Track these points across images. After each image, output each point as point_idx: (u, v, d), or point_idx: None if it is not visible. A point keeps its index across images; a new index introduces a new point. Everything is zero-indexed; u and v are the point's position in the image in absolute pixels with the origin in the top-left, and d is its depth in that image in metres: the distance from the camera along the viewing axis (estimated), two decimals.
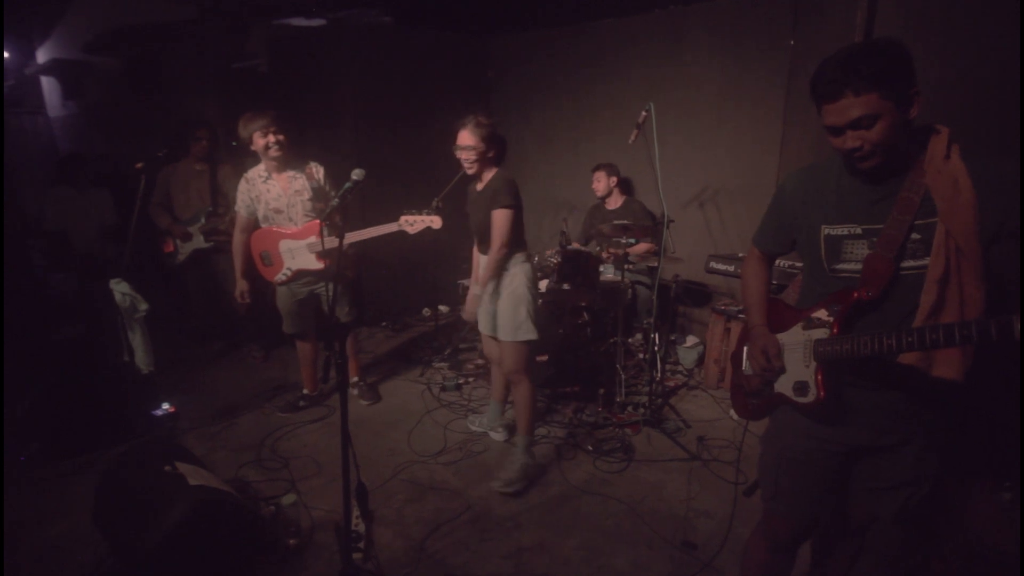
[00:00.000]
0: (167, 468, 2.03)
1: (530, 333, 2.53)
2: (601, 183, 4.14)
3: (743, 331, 1.64)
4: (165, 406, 3.04)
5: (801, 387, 1.41)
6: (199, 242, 3.72)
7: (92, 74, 5.86)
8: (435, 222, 2.69)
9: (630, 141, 3.09)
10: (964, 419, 1.42)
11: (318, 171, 2.94)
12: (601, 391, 3.42)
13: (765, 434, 1.62)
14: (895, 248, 1.25)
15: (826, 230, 1.35)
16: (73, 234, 4.08)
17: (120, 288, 2.70)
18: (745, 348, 1.62)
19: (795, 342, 1.45)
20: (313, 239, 2.85)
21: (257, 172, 2.91)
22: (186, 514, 1.85)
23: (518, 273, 2.53)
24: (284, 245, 2.92)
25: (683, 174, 4.20)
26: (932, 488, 1.40)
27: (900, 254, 1.25)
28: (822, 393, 1.35)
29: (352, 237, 2.86)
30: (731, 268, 3.41)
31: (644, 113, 3.04)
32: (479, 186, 2.57)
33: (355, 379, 3.46)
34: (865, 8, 2.38)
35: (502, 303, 2.53)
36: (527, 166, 5.23)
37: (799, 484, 1.51)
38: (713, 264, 3.49)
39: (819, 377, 1.36)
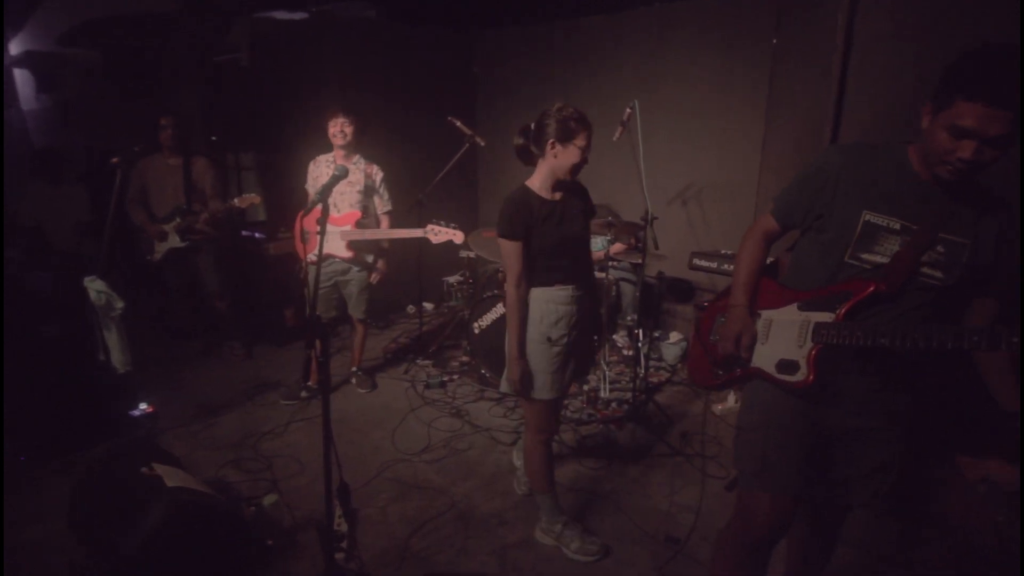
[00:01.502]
0: (144, 470, 1.99)
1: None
2: None
3: (721, 299, 1.62)
4: (143, 406, 2.99)
5: (787, 365, 1.40)
6: (175, 241, 3.63)
7: (68, 67, 5.72)
8: (458, 236, 2.85)
9: (615, 138, 3.09)
10: (934, 406, 1.46)
11: (378, 173, 3.19)
12: (585, 387, 3.43)
13: (741, 411, 1.58)
14: (921, 252, 1.26)
15: (868, 216, 1.31)
16: (49, 231, 3.98)
17: (95, 286, 2.65)
18: (718, 320, 1.60)
19: (788, 320, 1.43)
20: (348, 227, 3.08)
21: (326, 157, 3.18)
22: (164, 517, 1.81)
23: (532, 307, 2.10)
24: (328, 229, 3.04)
25: (667, 171, 4.22)
26: (899, 475, 1.44)
27: (921, 259, 1.27)
28: (812, 376, 1.35)
29: (373, 235, 3.12)
30: (714, 265, 3.43)
31: (628, 110, 3.04)
32: (555, 195, 2.01)
33: (355, 368, 3.55)
34: (847, 8, 2.41)
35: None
36: (513, 163, 5.21)
37: (788, 454, 1.46)
38: (696, 261, 3.51)
39: (813, 357, 1.36)
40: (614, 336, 4.01)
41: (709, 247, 3.97)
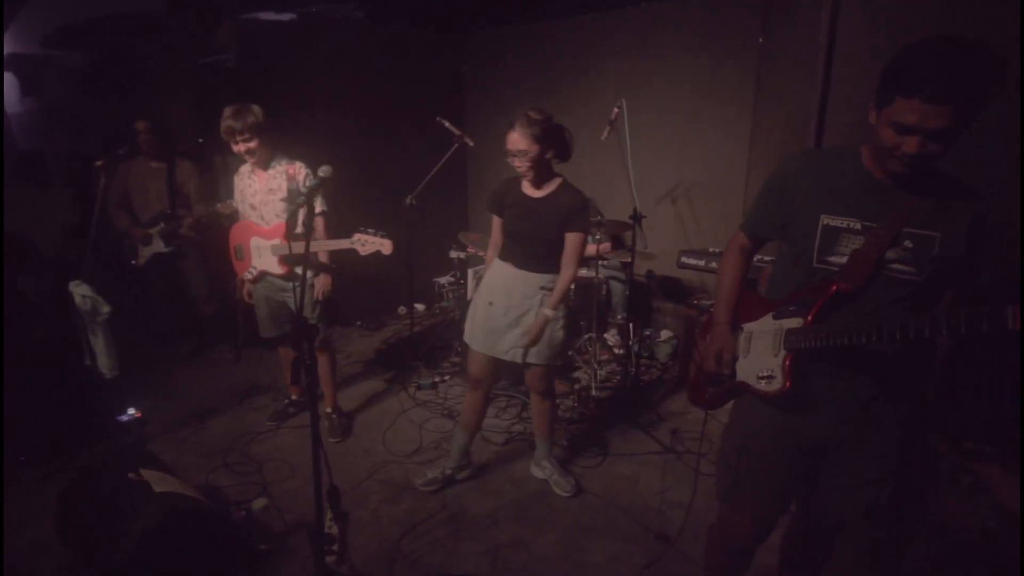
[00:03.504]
0: (131, 476, 1.97)
1: (564, 354, 2.41)
2: None
3: (707, 322, 1.65)
4: (131, 411, 2.95)
5: (765, 376, 1.42)
6: (158, 246, 3.60)
7: (52, 69, 5.66)
8: (385, 246, 2.49)
9: (603, 137, 3.10)
10: (925, 413, 1.45)
11: (299, 172, 2.74)
12: (576, 386, 3.44)
13: (726, 427, 1.62)
14: (883, 248, 1.26)
15: (825, 220, 1.32)
16: (35, 235, 3.94)
17: (80, 291, 2.62)
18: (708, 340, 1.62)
19: (764, 331, 1.45)
20: (277, 241, 2.73)
21: (246, 167, 2.82)
22: (152, 523, 1.80)
23: None
24: (254, 242, 2.83)
25: (656, 170, 4.24)
26: (896, 486, 1.41)
27: (885, 255, 1.27)
28: (788, 382, 1.37)
29: (300, 247, 2.68)
30: (702, 263, 3.45)
31: (616, 110, 3.05)
32: (535, 192, 2.25)
33: (328, 410, 3.10)
34: (829, 7, 2.42)
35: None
36: (502, 162, 5.21)
37: (759, 476, 1.50)
38: (684, 259, 3.53)
39: (787, 365, 1.37)
40: (604, 335, 4.02)
41: (698, 245, 4.00)
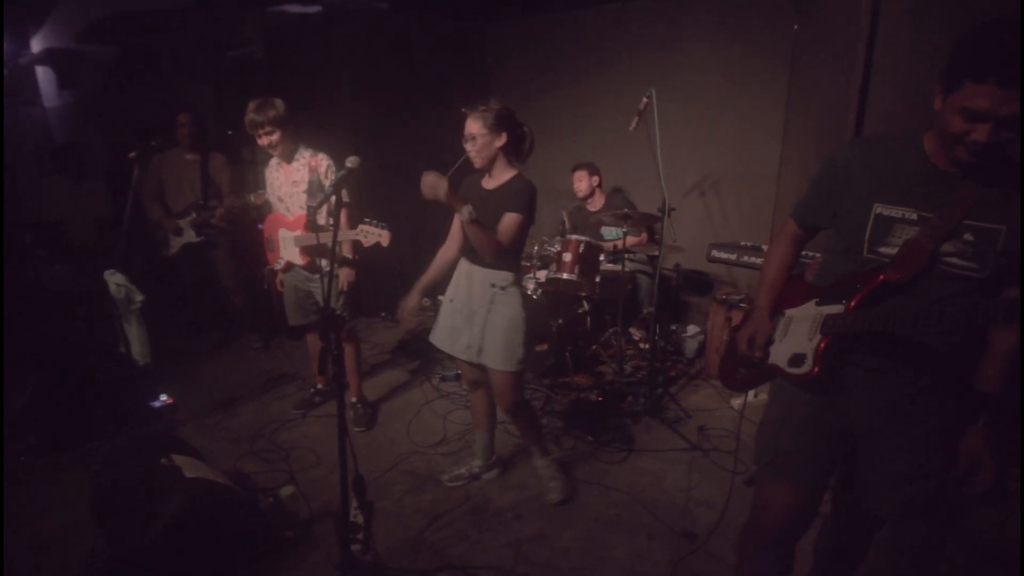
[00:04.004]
0: (163, 461, 2.02)
1: (523, 363, 2.25)
2: (583, 183, 3.97)
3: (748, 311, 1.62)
4: (163, 397, 3.03)
5: (797, 359, 1.40)
6: (190, 236, 3.66)
7: (86, 63, 5.80)
8: (384, 238, 2.45)
9: (631, 128, 3.04)
10: (968, 410, 1.38)
11: (321, 163, 2.78)
12: (601, 381, 3.40)
13: (766, 409, 1.57)
14: (939, 240, 1.20)
15: (879, 209, 1.27)
16: (70, 225, 4.05)
17: (115, 279, 2.68)
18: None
19: (805, 316, 1.42)
20: (299, 232, 2.78)
21: (274, 160, 2.88)
22: (182, 507, 1.83)
23: (515, 295, 2.23)
24: (282, 233, 2.89)
25: (685, 162, 4.15)
26: (938, 486, 1.35)
27: (941, 247, 1.21)
28: (817, 367, 1.33)
29: (323, 238, 2.64)
30: (732, 257, 3.38)
31: (645, 100, 2.99)
32: (489, 183, 2.26)
33: (353, 400, 3.14)
34: None
35: (494, 328, 2.21)
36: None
37: (802, 444, 1.43)
38: (715, 253, 3.46)
39: (820, 349, 1.33)
40: (630, 329, 3.98)
41: (727, 239, 3.92)
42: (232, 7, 4.57)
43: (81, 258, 3.94)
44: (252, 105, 2.64)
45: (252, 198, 3.48)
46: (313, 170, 2.77)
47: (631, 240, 3.79)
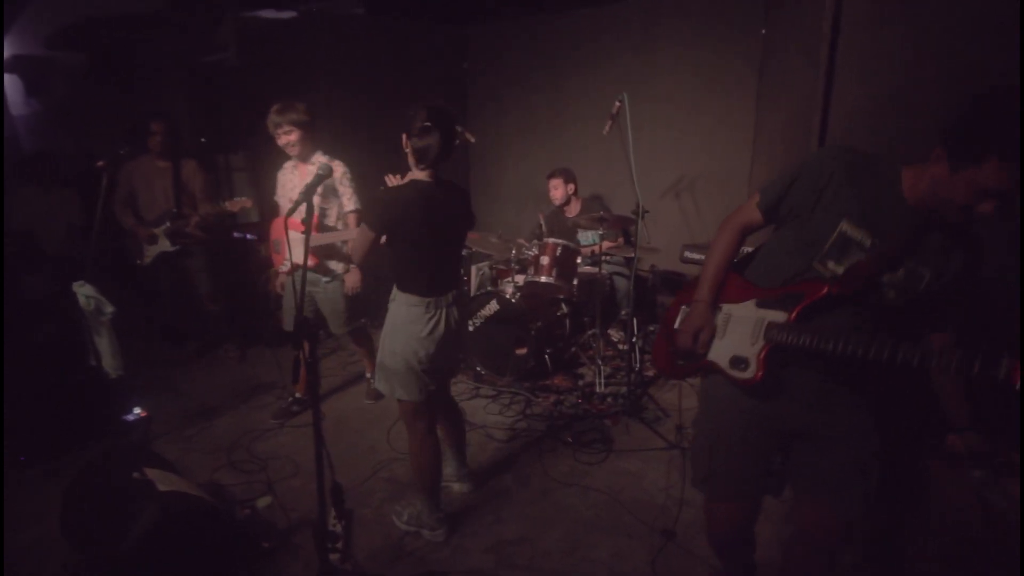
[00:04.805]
0: (135, 475, 1.98)
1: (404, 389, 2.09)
2: (559, 191, 3.99)
3: (688, 289, 1.63)
4: (137, 410, 2.97)
5: (739, 361, 1.42)
6: (164, 245, 3.60)
7: (55, 70, 5.68)
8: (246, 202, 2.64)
9: (605, 132, 3.07)
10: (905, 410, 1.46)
11: (337, 169, 2.90)
12: (580, 383, 3.43)
13: (697, 416, 1.62)
14: (881, 269, 1.27)
15: (845, 226, 1.30)
16: (41, 234, 3.96)
17: (84, 291, 2.62)
18: (683, 310, 1.61)
19: (745, 317, 1.44)
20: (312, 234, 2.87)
21: (290, 162, 2.96)
22: (155, 521, 1.81)
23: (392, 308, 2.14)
24: (291, 235, 2.93)
25: (660, 164, 4.21)
26: (880, 483, 1.41)
27: (882, 276, 1.28)
28: (760, 373, 1.37)
29: (325, 238, 2.83)
30: (704, 257, 3.43)
31: (618, 103, 3.03)
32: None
33: (368, 375, 3.44)
34: None
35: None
36: (505, 157, 5.20)
37: (734, 463, 1.50)
38: (687, 254, 3.51)
39: (762, 356, 1.37)
40: (608, 330, 4.01)
41: (702, 239, 3.98)
42: (206, 12, 4.52)
43: (51, 268, 3.86)
44: (275, 107, 2.76)
45: (227, 205, 3.45)
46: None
47: (607, 244, 3.82)
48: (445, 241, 2.07)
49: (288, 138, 2.77)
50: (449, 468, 2.52)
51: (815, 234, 1.34)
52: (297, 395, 3.28)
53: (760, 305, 1.41)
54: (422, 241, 1.99)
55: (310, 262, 2.81)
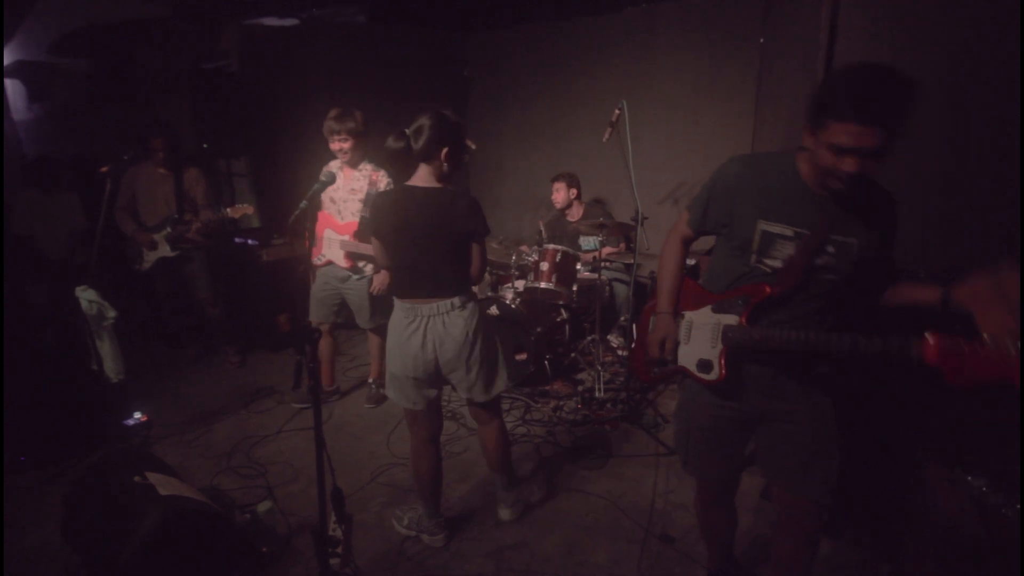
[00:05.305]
0: (137, 479, 1.99)
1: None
2: (561, 194, 4.02)
3: (650, 308, 1.74)
4: (137, 415, 2.98)
5: (705, 364, 1.52)
6: (165, 251, 3.62)
7: (58, 76, 5.71)
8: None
9: (604, 139, 3.10)
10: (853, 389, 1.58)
11: (381, 180, 2.97)
12: (579, 388, 3.44)
13: (676, 410, 1.77)
14: (811, 255, 1.35)
15: (763, 225, 1.40)
16: (44, 239, 3.98)
17: (86, 296, 2.64)
18: (651, 320, 1.71)
19: (704, 322, 1.54)
20: (347, 237, 2.99)
21: (336, 162, 3.03)
22: (156, 526, 1.81)
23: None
24: (327, 233, 3.06)
25: (660, 170, 4.24)
26: (844, 462, 1.51)
27: (814, 261, 1.36)
28: (723, 373, 1.48)
29: (364, 248, 2.92)
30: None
31: (617, 111, 3.06)
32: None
33: (371, 380, 3.48)
34: (829, 6, 2.42)
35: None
36: (506, 163, 5.23)
37: (706, 450, 1.67)
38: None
39: (723, 359, 1.48)
40: (608, 336, 4.02)
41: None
42: (208, 20, 4.56)
43: (55, 272, 3.88)
44: (333, 112, 2.84)
45: (228, 211, 3.47)
46: (372, 183, 2.98)
47: (608, 250, 3.84)
48: (418, 249, 1.95)
49: (343, 145, 2.86)
50: (414, 513, 2.31)
51: (741, 239, 1.44)
52: (302, 389, 3.39)
53: (715, 310, 1.52)
54: (397, 245, 1.99)
55: (345, 263, 3.04)
